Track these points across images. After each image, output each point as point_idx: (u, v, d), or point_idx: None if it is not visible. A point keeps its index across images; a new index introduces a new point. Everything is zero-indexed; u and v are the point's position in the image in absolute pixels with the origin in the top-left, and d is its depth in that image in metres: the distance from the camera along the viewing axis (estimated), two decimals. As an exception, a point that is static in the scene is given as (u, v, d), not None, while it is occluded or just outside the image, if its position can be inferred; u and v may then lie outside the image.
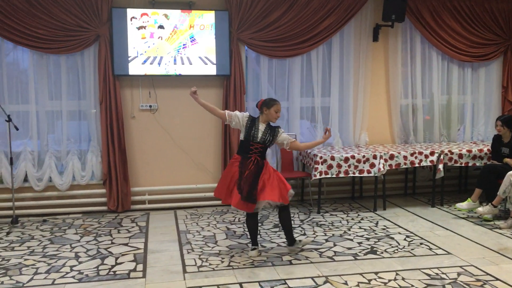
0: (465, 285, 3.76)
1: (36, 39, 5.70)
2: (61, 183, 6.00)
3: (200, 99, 4.46)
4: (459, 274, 4.00)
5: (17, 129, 5.48)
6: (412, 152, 6.09)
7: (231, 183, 4.39)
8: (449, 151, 6.18)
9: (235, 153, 6.16)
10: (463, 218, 5.74)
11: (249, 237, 4.70)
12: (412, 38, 6.87)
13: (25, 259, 4.44)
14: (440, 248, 4.64)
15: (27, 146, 5.94)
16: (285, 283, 3.82)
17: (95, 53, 5.94)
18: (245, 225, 5.48)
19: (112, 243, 4.92)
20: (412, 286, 3.76)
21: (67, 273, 4.09)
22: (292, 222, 5.58)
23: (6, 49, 5.83)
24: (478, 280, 3.86)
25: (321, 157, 5.79)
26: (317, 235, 5.09)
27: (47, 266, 4.25)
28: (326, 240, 4.92)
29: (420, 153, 6.10)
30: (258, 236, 5.05)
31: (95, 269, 4.18)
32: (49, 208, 6.02)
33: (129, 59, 5.96)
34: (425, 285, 3.77)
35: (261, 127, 4.42)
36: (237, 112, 4.51)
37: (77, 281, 3.92)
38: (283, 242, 4.85)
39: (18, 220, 5.67)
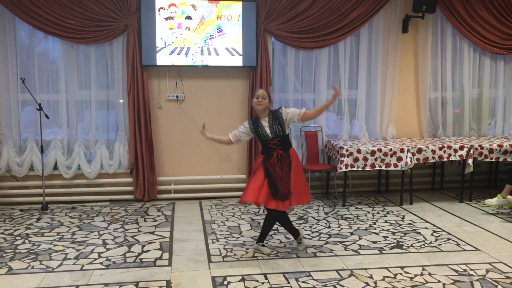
0: (494, 282, 3.68)
1: (67, 29, 5.79)
2: (89, 171, 6.11)
3: (207, 133, 4.40)
4: (487, 271, 3.92)
5: (47, 117, 5.60)
6: (441, 146, 5.98)
7: (262, 184, 4.19)
8: (479, 145, 6.04)
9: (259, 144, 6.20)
10: (492, 214, 5.62)
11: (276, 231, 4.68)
12: (443, 30, 6.72)
13: (55, 245, 4.55)
14: (468, 244, 4.56)
15: (57, 134, 6.06)
16: (310, 275, 3.81)
17: (124, 43, 6.01)
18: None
19: (139, 231, 5.00)
20: (439, 281, 3.70)
21: (95, 259, 4.18)
22: (317, 214, 5.58)
23: (37, 39, 5.94)
24: (508, 278, 3.77)
25: (347, 150, 5.73)
26: (342, 228, 5.06)
27: (76, 252, 4.35)
28: (351, 234, 4.89)
29: (449, 147, 5.99)
30: (283, 228, 5.06)
31: (122, 256, 4.26)
32: (78, 196, 6.15)
33: (157, 49, 6.00)
34: (453, 281, 3.71)
35: (265, 123, 4.27)
36: (239, 128, 4.39)
37: (105, 267, 4.00)
38: (308, 235, 4.84)
39: (48, 207, 5.81)
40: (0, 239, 4.71)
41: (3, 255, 4.28)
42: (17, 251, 4.38)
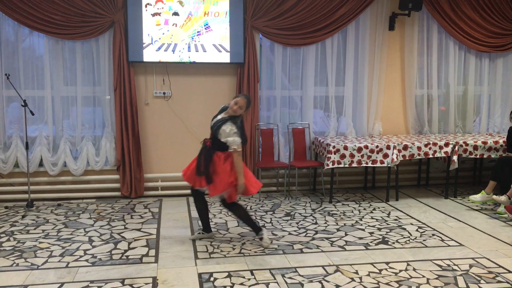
0: (477, 277, 3.74)
1: (52, 25, 5.73)
2: (75, 168, 6.07)
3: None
4: (471, 266, 3.97)
5: (32, 114, 5.54)
6: (427, 143, 6.03)
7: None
8: (464, 142, 6.11)
9: (248, 142, 6.20)
10: (476, 210, 5.69)
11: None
12: (429, 27, 6.77)
13: (40, 242, 4.52)
14: (453, 240, 4.62)
15: (43, 131, 6.01)
16: (296, 271, 3.83)
17: (110, 39, 5.96)
18: (256, 212, 5.52)
19: (125, 228, 4.98)
20: (423, 277, 3.75)
21: (80, 256, 4.16)
22: (304, 210, 5.60)
23: (22, 34, 5.88)
24: (490, 272, 3.83)
25: (334, 147, 5.76)
26: (328, 224, 5.09)
27: (61, 250, 4.32)
28: (338, 230, 4.92)
29: (435, 144, 6.05)
30: (270, 224, 5.08)
31: (108, 253, 4.24)
32: (64, 193, 6.11)
33: (144, 45, 5.97)
34: (437, 276, 3.76)
35: (220, 116, 4.39)
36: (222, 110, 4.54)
37: (90, 264, 3.98)
38: (294, 231, 4.86)
39: (33, 204, 5.76)
40: (-16, 237, 4.67)
41: (-13, 252, 4.24)
42: (1, 248, 4.34)
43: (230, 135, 4.27)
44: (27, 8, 5.62)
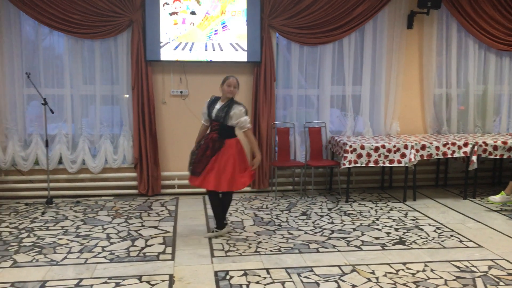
0: (496, 279, 3.68)
1: (72, 24, 5.81)
2: (94, 166, 6.15)
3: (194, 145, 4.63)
4: (490, 267, 3.92)
5: (52, 112, 5.62)
6: (445, 142, 5.96)
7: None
8: (484, 142, 6.03)
9: (264, 141, 6.22)
10: (496, 211, 5.61)
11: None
12: (448, 26, 6.69)
13: (59, 239, 4.59)
14: (471, 241, 4.56)
15: (62, 129, 6.09)
16: (312, 271, 3.82)
17: (128, 38, 6.02)
18: (272, 211, 5.52)
19: (142, 225, 5.03)
20: (441, 278, 3.71)
21: (99, 253, 4.21)
22: (320, 210, 5.59)
23: (42, 33, 5.97)
24: (510, 274, 3.77)
25: (350, 146, 5.73)
26: (344, 224, 5.07)
27: (80, 246, 4.38)
28: (354, 229, 4.89)
29: (453, 144, 5.98)
30: (286, 223, 5.08)
31: (126, 250, 4.28)
32: (82, 190, 6.19)
33: (161, 45, 6.02)
34: (455, 278, 3.71)
35: (218, 105, 4.50)
36: (203, 111, 4.63)
37: (108, 261, 4.03)
38: (310, 230, 4.85)
39: (53, 201, 5.85)
40: (5, 233, 4.75)
41: (8, 248, 4.32)
42: (22, 244, 4.42)
43: (241, 115, 4.46)
44: (47, 8, 5.70)
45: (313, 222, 5.13)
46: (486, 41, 6.67)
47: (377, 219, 5.26)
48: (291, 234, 4.75)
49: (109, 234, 4.73)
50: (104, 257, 4.12)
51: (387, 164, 5.86)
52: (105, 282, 3.60)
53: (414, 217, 5.36)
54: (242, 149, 4.57)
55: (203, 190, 6.26)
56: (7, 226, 4.96)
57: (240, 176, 4.48)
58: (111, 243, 4.46)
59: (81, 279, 3.65)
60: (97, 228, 4.91)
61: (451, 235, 4.73)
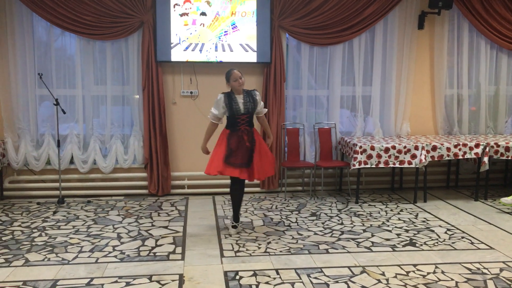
0: (507, 281, 3.65)
1: (83, 25, 5.86)
2: (104, 165, 6.19)
3: (203, 143, 4.81)
4: (501, 269, 3.88)
5: (64, 112, 5.67)
6: (456, 143, 5.92)
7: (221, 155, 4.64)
8: (495, 143, 5.97)
9: (274, 141, 6.21)
10: (507, 213, 5.56)
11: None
12: (459, 26, 6.64)
13: (71, 238, 4.63)
14: (483, 243, 4.52)
15: (74, 129, 6.15)
16: (322, 272, 3.82)
17: (139, 39, 6.06)
18: (282, 212, 5.52)
19: (153, 225, 5.05)
20: (452, 280, 3.68)
21: (109, 252, 4.24)
22: (330, 211, 5.58)
23: (54, 35, 6.03)
24: (522, 277, 3.74)
25: (360, 147, 5.72)
26: (354, 225, 5.06)
27: (91, 245, 4.41)
28: (364, 231, 4.88)
29: (465, 145, 5.93)
30: (295, 224, 5.08)
31: (136, 249, 4.31)
32: (93, 190, 6.24)
33: (172, 45, 6.04)
34: (466, 280, 3.69)
35: (239, 99, 4.61)
36: (215, 109, 4.67)
37: (119, 260, 4.05)
38: (320, 231, 4.85)
39: (64, 200, 5.90)
40: (17, 232, 4.80)
41: (20, 247, 4.37)
42: (33, 243, 4.47)
43: (260, 100, 4.77)
44: (59, 9, 5.76)
45: (322, 223, 5.12)
46: (498, 41, 6.62)
47: (387, 220, 5.23)
48: (301, 234, 4.74)
49: (119, 233, 4.77)
50: (115, 256, 4.15)
51: (397, 165, 5.84)
52: (116, 282, 3.62)
53: (424, 218, 5.33)
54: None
55: (213, 190, 6.33)
56: (19, 225, 5.01)
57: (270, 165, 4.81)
58: (122, 243, 4.49)
59: (92, 278, 3.68)
60: (108, 228, 4.94)
61: (462, 237, 4.69)
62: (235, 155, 4.55)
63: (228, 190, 6.33)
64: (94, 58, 6.10)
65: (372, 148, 5.74)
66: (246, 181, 4.82)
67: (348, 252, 4.27)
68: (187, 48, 6.08)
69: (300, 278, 3.69)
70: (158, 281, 3.63)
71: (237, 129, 4.60)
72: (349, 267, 3.91)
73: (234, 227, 4.81)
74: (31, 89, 6.01)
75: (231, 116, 4.62)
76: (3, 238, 4.60)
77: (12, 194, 6.14)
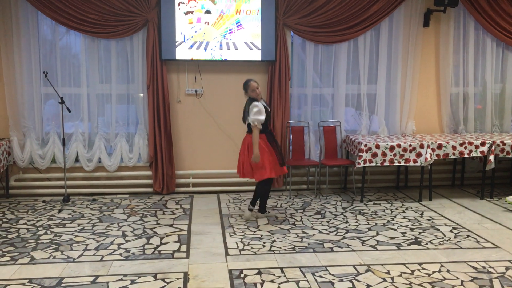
0: (514, 281, 3.64)
1: (88, 24, 5.87)
2: (109, 164, 6.20)
3: (257, 150, 4.86)
4: (507, 268, 3.86)
5: (69, 111, 5.69)
6: (462, 142, 5.89)
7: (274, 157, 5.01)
8: (501, 142, 5.94)
9: (279, 140, 6.22)
10: (514, 211, 5.54)
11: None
12: (465, 24, 6.61)
13: (76, 236, 4.64)
14: (488, 242, 4.50)
15: (79, 127, 6.17)
16: (326, 270, 3.81)
17: (144, 38, 6.06)
18: (287, 210, 5.52)
19: (157, 223, 5.06)
20: (458, 278, 3.67)
21: (114, 250, 4.25)
22: (335, 209, 5.57)
23: (59, 33, 6.04)
24: (528, 276, 3.72)
25: (365, 145, 5.70)
26: (359, 224, 5.04)
27: (96, 243, 4.42)
28: (369, 229, 4.87)
29: (470, 143, 5.90)
30: (300, 223, 5.08)
31: (141, 248, 4.32)
32: (98, 188, 6.26)
33: (176, 44, 6.05)
34: (471, 279, 3.67)
35: (265, 103, 5.09)
36: (258, 115, 4.86)
37: (124, 258, 4.06)
38: (325, 229, 4.84)
39: (69, 199, 5.92)
40: (23, 230, 4.82)
41: (26, 245, 4.39)
42: (39, 241, 4.49)
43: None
44: (64, 8, 5.77)
45: (327, 221, 5.11)
46: (504, 39, 6.58)
47: (392, 219, 5.22)
48: (306, 233, 4.74)
49: (124, 232, 4.78)
50: (120, 254, 4.16)
51: (402, 164, 5.82)
52: (121, 279, 3.63)
53: (430, 217, 5.31)
54: None
55: (218, 188, 6.35)
56: (25, 223, 5.03)
57: None
58: (127, 241, 4.50)
59: (97, 276, 3.69)
60: (113, 226, 4.96)
61: (468, 236, 4.67)
62: (279, 155, 5.02)
63: (232, 188, 6.38)
64: (99, 56, 6.11)
65: (377, 147, 5.72)
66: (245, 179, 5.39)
67: (353, 250, 4.26)
68: (191, 46, 6.08)
69: (305, 277, 3.69)
70: (163, 279, 3.64)
71: (268, 130, 5.04)
72: (354, 266, 3.90)
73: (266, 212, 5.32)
74: (36, 87, 6.03)
75: (266, 121, 4.96)
76: (9, 236, 4.62)
77: (18, 192, 6.16)
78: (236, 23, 6.12)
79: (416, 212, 5.51)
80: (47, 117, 6.19)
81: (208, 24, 6.08)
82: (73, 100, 6.13)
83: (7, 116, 6.01)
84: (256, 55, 6.18)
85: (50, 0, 5.73)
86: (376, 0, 6.21)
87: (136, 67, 6.14)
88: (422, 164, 5.80)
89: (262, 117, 4.87)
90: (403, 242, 4.47)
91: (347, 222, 5.12)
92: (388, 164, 5.78)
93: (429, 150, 5.75)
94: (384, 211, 5.52)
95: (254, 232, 4.78)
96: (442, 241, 4.50)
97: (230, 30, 6.12)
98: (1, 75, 5.96)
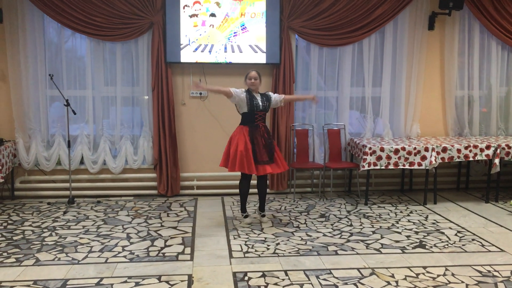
0: (519, 285, 3.62)
1: (93, 27, 5.90)
2: (114, 166, 6.22)
3: (204, 86, 5.08)
4: (513, 272, 3.85)
5: (74, 113, 5.72)
6: (467, 145, 5.88)
7: (247, 152, 4.84)
8: (507, 145, 5.92)
9: (283, 142, 6.22)
10: (519, 215, 5.51)
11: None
12: (470, 27, 6.59)
13: (80, 238, 4.65)
14: (493, 245, 4.48)
15: (84, 130, 6.19)
16: (330, 273, 3.81)
17: (149, 40, 6.08)
18: (291, 213, 5.52)
19: (162, 226, 5.07)
20: (463, 282, 3.66)
21: (119, 252, 4.26)
22: (339, 212, 5.56)
23: (65, 36, 6.07)
24: (534, 280, 3.70)
25: (370, 148, 5.69)
26: (364, 227, 5.03)
27: (101, 245, 4.44)
28: (373, 232, 4.85)
29: (475, 146, 5.88)
30: (304, 225, 5.07)
31: (146, 250, 4.33)
32: (103, 190, 6.28)
33: (181, 46, 6.07)
34: (476, 282, 3.65)
35: (258, 96, 5.00)
36: (237, 90, 4.97)
37: (128, 260, 4.07)
38: (329, 232, 4.83)
39: (74, 201, 5.94)
40: (28, 231, 4.84)
41: (31, 246, 4.40)
42: (44, 243, 4.50)
43: (274, 96, 5.13)
44: (70, 11, 5.80)
45: (331, 224, 5.11)
46: (509, 42, 6.56)
47: (397, 222, 5.21)
48: (310, 236, 4.73)
49: (129, 234, 4.79)
50: (124, 256, 4.16)
51: (407, 167, 5.80)
52: (125, 282, 3.64)
53: (434, 220, 5.30)
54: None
55: (222, 191, 6.34)
56: (30, 225, 5.05)
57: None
58: (131, 243, 4.51)
59: (101, 278, 3.70)
60: (117, 228, 4.97)
61: (473, 239, 4.66)
62: (261, 152, 4.88)
63: (236, 191, 6.34)
64: (104, 59, 6.14)
65: (382, 150, 5.71)
66: (254, 182, 5.11)
67: (357, 253, 4.25)
68: (196, 49, 6.10)
69: (309, 280, 3.68)
70: (167, 282, 3.64)
71: (256, 125, 4.93)
72: (358, 269, 3.89)
73: (246, 216, 5.22)
74: (42, 90, 6.06)
75: (250, 112, 4.92)
76: (14, 238, 4.64)
77: (23, 194, 6.19)
78: (241, 26, 6.13)
79: (420, 215, 5.49)
80: (52, 119, 6.22)
81: (213, 27, 6.10)
82: (78, 103, 6.16)
83: (13, 118, 6.05)
84: (260, 58, 6.19)
85: (56, 4, 5.76)
86: (381, 3, 6.21)
87: (141, 69, 6.16)
88: (427, 167, 5.78)
89: (237, 90, 4.94)
90: (408, 246, 4.46)
91: (351, 225, 5.11)
92: (392, 167, 5.77)
93: (434, 153, 5.74)
94: (388, 214, 5.51)
95: (258, 234, 4.78)
96: (447, 245, 4.49)
97: (234, 33, 6.13)
98: (7, 77, 6.00)
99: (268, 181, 6.42)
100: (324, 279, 3.69)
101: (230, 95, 4.92)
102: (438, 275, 3.78)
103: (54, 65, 6.07)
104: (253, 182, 5.25)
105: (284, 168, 5.04)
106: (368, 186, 6.04)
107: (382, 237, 4.70)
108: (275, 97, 5.13)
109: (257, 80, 4.98)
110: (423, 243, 4.54)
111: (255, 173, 4.88)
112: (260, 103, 4.96)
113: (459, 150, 5.85)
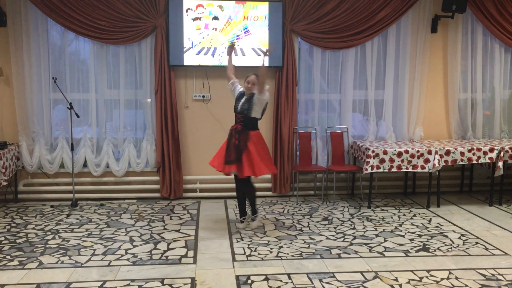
0: (523, 288, 3.60)
1: (96, 30, 5.92)
2: (117, 169, 6.23)
3: (231, 57, 5.17)
4: (517, 276, 3.84)
5: (78, 116, 5.73)
6: (470, 148, 5.86)
7: (222, 151, 5.00)
8: (510, 148, 5.90)
9: (286, 145, 6.23)
10: (523, 218, 5.49)
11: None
12: (473, 30, 6.59)
13: (84, 241, 4.66)
14: (497, 249, 4.46)
15: (87, 133, 6.20)
16: (334, 276, 3.80)
17: (152, 43, 6.10)
18: (294, 216, 5.51)
19: (165, 229, 5.07)
20: (466, 286, 3.64)
21: (122, 255, 4.26)
22: (342, 215, 5.55)
23: (68, 39, 6.09)
24: (538, 284, 3.69)
25: (373, 151, 5.69)
26: (367, 230, 5.02)
27: (104, 248, 4.44)
28: (376, 235, 4.84)
29: (479, 149, 5.87)
30: (307, 228, 5.07)
31: (148, 253, 4.33)
32: (106, 193, 6.28)
33: (184, 50, 6.08)
34: (480, 286, 3.64)
35: (243, 99, 4.97)
36: (238, 85, 5.11)
37: (131, 263, 4.07)
38: (332, 236, 4.82)
39: (78, 203, 5.95)
40: (31, 234, 4.85)
41: (34, 249, 4.41)
42: (47, 246, 4.51)
43: (261, 98, 4.90)
44: (73, 14, 5.82)
45: (334, 228, 5.10)
46: (513, 44, 6.56)
47: (400, 225, 5.19)
48: (313, 239, 4.73)
49: (132, 237, 4.79)
50: (127, 259, 4.16)
51: (410, 170, 5.79)
52: (128, 285, 3.64)
53: (438, 223, 5.28)
54: (264, 142, 5.04)
55: (225, 194, 6.34)
56: (33, 228, 5.06)
57: (264, 164, 4.87)
58: (134, 246, 4.51)
59: (104, 281, 3.70)
60: (120, 231, 4.97)
61: (476, 242, 4.64)
62: (230, 152, 4.86)
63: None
64: (107, 62, 6.16)
65: (385, 153, 5.71)
66: (262, 185, 5.31)
67: (361, 257, 4.24)
68: (199, 52, 6.11)
69: (312, 283, 3.67)
70: (170, 285, 3.64)
71: (234, 126, 4.94)
72: (361, 272, 3.88)
73: (241, 222, 5.16)
74: (45, 93, 6.07)
75: (234, 112, 5.02)
76: (18, 241, 4.65)
77: (26, 197, 6.21)
78: (244, 29, 6.14)
79: (424, 218, 5.48)
80: (55, 123, 6.23)
81: (215, 30, 6.11)
82: (82, 106, 6.17)
83: (17, 121, 6.06)
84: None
85: (60, 7, 5.78)
86: (384, 6, 6.21)
87: (144, 72, 6.17)
88: (430, 170, 5.77)
89: (230, 88, 5.15)
90: (411, 249, 4.45)
91: (354, 228, 5.10)
92: (395, 170, 5.76)
93: (437, 156, 5.72)
94: (391, 217, 5.49)
95: (261, 238, 4.78)
96: (451, 248, 4.47)
97: (237, 36, 6.14)
98: (10, 80, 6.02)
99: (271, 184, 6.43)
100: (328, 283, 3.68)
101: (229, 81, 5.14)
102: (442, 279, 3.77)
103: (58, 68, 6.09)
104: (256, 184, 5.25)
105: (259, 172, 4.82)
106: (371, 189, 6.03)
107: (385, 240, 4.68)
108: (256, 96, 4.89)
109: (254, 85, 4.88)
110: (427, 246, 4.53)
111: (220, 170, 4.99)
112: (239, 105, 4.96)
113: (462, 153, 5.84)
